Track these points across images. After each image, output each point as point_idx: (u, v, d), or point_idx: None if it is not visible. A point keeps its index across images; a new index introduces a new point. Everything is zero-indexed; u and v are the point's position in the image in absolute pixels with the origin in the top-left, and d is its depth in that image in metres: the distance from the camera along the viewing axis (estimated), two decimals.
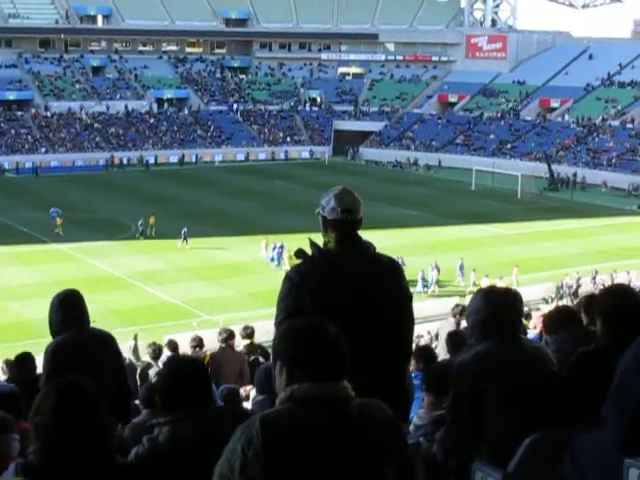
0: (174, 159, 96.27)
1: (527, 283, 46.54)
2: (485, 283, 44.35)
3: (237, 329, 15.10)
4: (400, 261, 47.74)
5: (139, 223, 58.07)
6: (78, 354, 6.72)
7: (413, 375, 7.52)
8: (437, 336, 16.08)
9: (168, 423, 4.71)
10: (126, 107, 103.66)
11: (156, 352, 15.16)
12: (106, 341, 7.27)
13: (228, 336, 13.91)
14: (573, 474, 3.95)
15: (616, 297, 5.23)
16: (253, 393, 10.39)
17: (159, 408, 4.90)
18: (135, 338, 31.30)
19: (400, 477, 3.72)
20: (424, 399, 6.48)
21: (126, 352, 29.06)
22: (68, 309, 6.95)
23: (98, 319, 41.91)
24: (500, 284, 45.02)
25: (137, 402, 9.20)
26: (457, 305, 18.75)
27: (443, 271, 48.84)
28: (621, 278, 44.00)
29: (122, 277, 49.37)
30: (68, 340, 6.87)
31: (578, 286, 45.85)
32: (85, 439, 4.27)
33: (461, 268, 48.97)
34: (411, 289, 5.94)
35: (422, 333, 27.35)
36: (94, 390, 4.49)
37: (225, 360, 13.33)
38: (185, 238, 55.55)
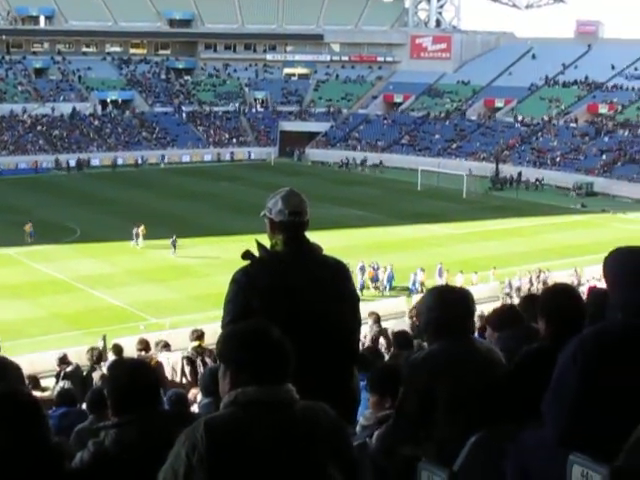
0: (120, 161, 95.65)
1: (474, 282, 46.96)
2: (460, 280, 45.66)
3: (184, 332, 15.07)
4: (389, 268, 48.31)
5: (134, 232, 56.77)
6: None
7: (359, 376, 7.54)
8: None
9: (114, 426, 4.68)
10: (74, 109, 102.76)
11: (95, 357, 15.03)
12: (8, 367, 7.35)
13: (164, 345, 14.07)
14: (516, 471, 4.00)
15: (559, 297, 5.28)
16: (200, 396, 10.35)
17: (110, 412, 4.87)
18: (104, 339, 31.05)
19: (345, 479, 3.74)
20: (369, 399, 6.50)
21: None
22: None
23: (44, 323, 41.16)
24: (475, 279, 46.89)
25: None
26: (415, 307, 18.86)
27: (396, 271, 49.10)
28: (560, 277, 44.68)
29: (68, 280, 48.93)
30: None
31: (531, 285, 46.24)
32: (30, 445, 4.23)
33: (440, 272, 49.07)
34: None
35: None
36: (33, 397, 4.46)
37: None
38: (174, 246, 54.76)
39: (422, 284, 47.36)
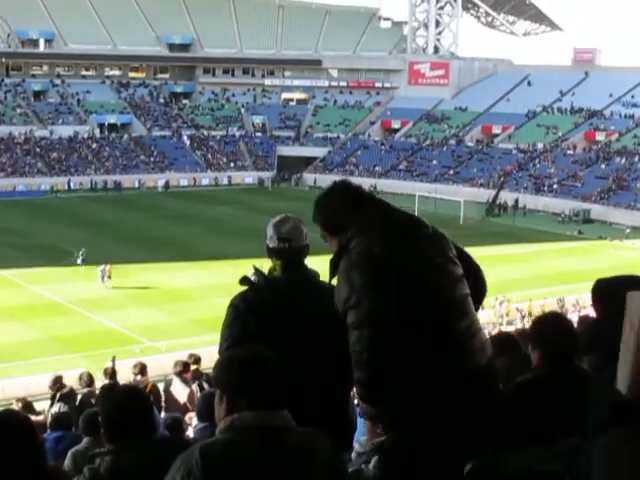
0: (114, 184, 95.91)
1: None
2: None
3: (181, 356, 14.99)
4: None
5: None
6: None
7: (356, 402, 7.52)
8: None
9: (110, 453, 4.66)
10: (75, 133, 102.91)
11: (86, 382, 14.88)
12: None
13: (183, 369, 14.02)
14: None
15: (547, 326, 5.23)
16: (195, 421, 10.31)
17: (103, 438, 4.85)
18: (113, 360, 30.93)
19: None
20: (365, 425, 6.47)
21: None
22: None
23: (39, 346, 40.78)
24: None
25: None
26: None
27: None
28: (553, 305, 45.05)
29: (64, 303, 48.83)
30: None
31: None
32: (26, 469, 4.22)
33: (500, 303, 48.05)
34: None
35: None
36: (29, 420, 4.44)
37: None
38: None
39: (507, 314, 46.92)
